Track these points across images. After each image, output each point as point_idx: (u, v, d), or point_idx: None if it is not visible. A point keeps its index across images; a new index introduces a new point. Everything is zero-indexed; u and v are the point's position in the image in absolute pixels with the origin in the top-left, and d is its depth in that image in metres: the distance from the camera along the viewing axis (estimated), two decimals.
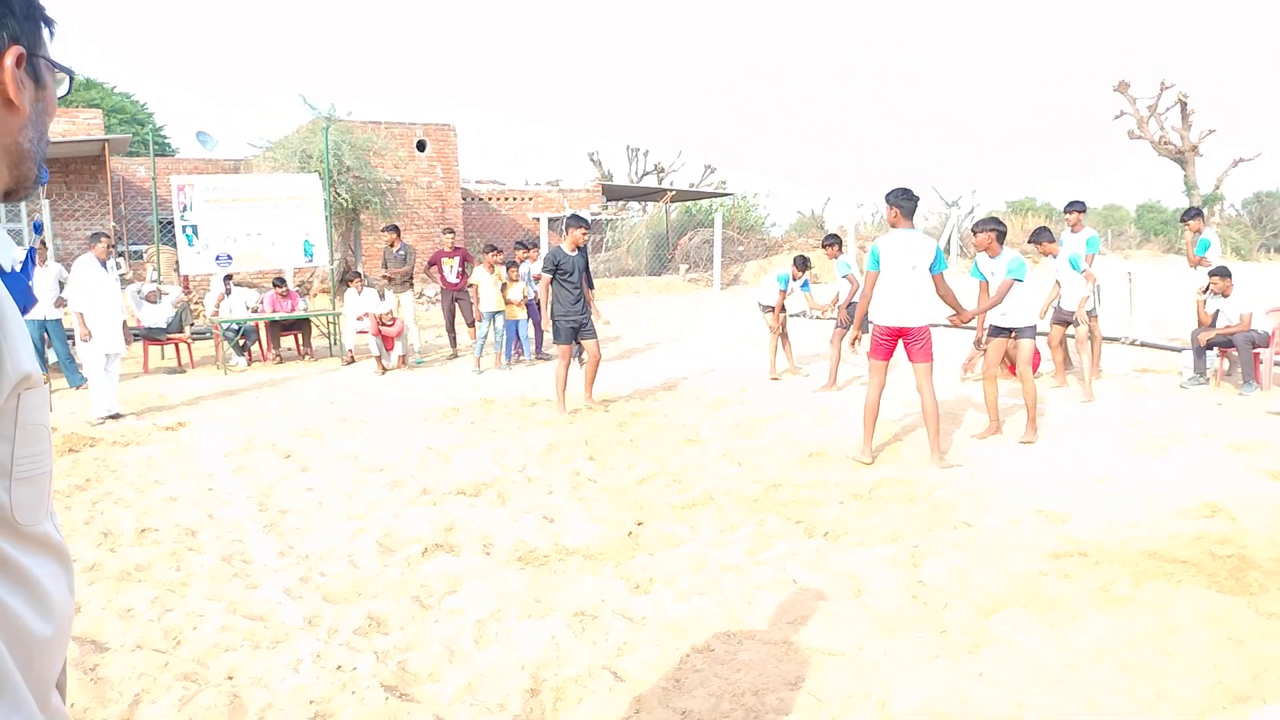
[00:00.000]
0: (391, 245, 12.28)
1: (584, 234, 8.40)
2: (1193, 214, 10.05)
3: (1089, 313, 9.37)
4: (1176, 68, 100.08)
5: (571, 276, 8.32)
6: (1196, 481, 5.65)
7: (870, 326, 6.48)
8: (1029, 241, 9.08)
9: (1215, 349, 8.99)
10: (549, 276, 8.27)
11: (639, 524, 5.18)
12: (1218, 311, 8.91)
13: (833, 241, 9.81)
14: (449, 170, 22.98)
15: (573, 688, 3.31)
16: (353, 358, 12.33)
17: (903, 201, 6.28)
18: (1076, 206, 9.90)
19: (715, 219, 24.45)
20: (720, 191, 31.53)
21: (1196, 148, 34.83)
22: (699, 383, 9.90)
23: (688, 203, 30.73)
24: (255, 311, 12.67)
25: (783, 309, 10.15)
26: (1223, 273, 8.88)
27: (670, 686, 3.30)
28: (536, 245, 12.92)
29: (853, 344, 6.87)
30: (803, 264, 10.13)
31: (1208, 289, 9.00)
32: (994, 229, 7.05)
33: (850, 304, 9.47)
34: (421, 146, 22.62)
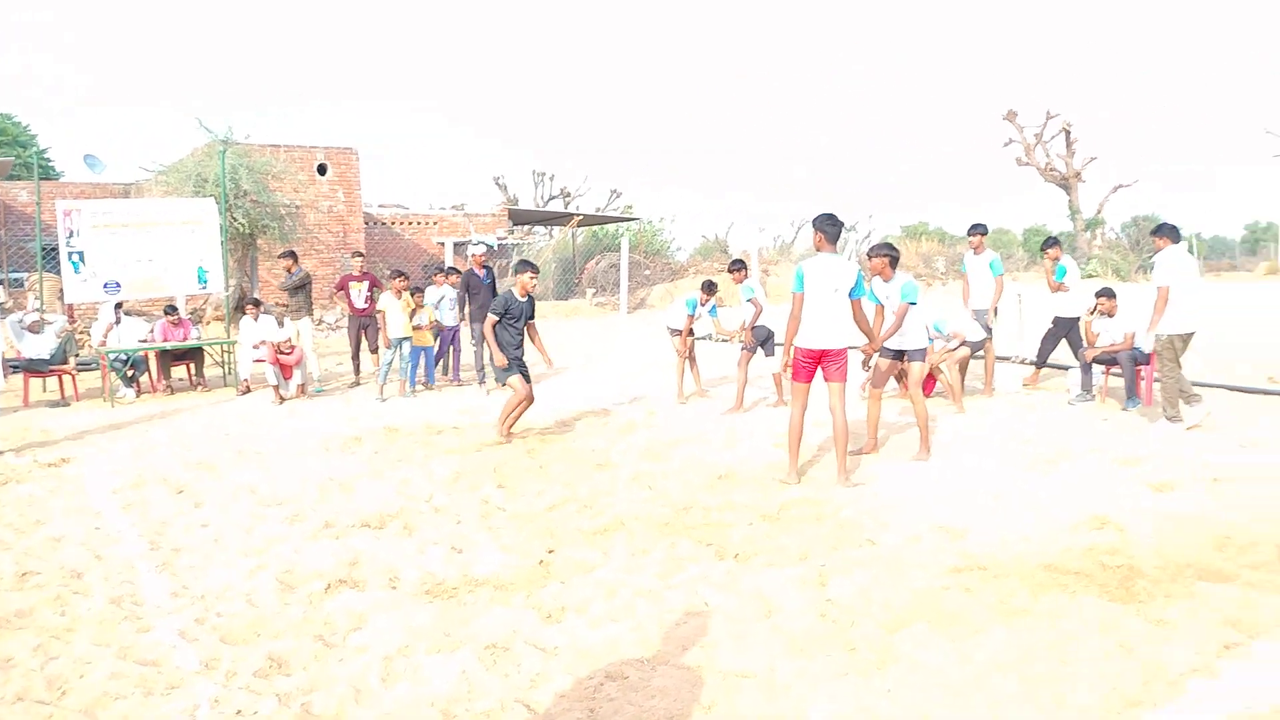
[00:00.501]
0: (289, 271, 12.00)
1: (533, 279, 8.38)
2: (1051, 243, 10.55)
3: (987, 331, 9.77)
4: (1061, 97, 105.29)
5: (517, 322, 8.33)
6: (1086, 495, 5.89)
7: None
8: None
9: (1101, 366, 9.43)
10: (495, 319, 8.20)
11: (550, 551, 5.13)
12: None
13: (738, 267, 9.96)
14: (351, 194, 22.60)
15: None
16: (248, 387, 11.95)
17: (827, 227, 6.37)
18: (979, 229, 10.27)
19: (622, 243, 24.63)
20: (627, 216, 31.78)
21: (1080, 174, 36.65)
22: (608, 407, 9.90)
23: (594, 227, 30.86)
24: (146, 342, 12.18)
25: (690, 332, 10.26)
26: (1108, 293, 9.32)
27: (585, 716, 3.27)
28: (443, 270, 12.77)
29: (785, 368, 6.80)
30: (710, 288, 10.26)
31: (1095, 309, 9.44)
32: (887, 254, 7.29)
33: (755, 327, 9.63)
34: (323, 170, 22.20)
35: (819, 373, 6.46)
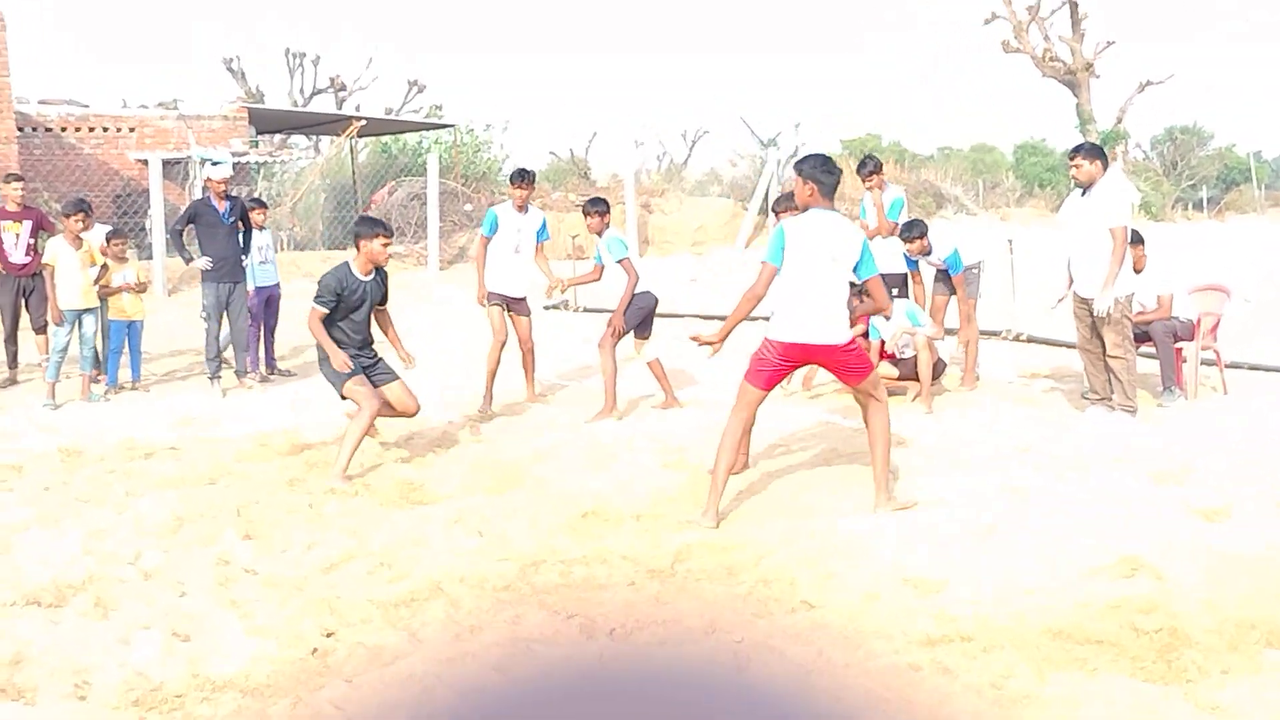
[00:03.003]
0: None
1: (386, 245, 8.09)
2: (876, 166, 10.83)
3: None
4: None
5: (357, 312, 8.00)
6: (1110, 526, 6.14)
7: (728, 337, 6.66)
8: None
9: None
10: (324, 310, 7.79)
11: (328, 635, 5.07)
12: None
13: (600, 209, 9.57)
14: None
15: None
16: None
17: (821, 175, 6.48)
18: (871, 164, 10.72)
19: (429, 163, 24.25)
20: (434, 122, 31.37)
21: (1091, 66, 38.06)
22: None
23: (385, 137, 30.40)
24: None
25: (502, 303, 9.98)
26: (1134, 239, 9.72)
27: None
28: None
29: (714, 353, 6.90)
30: (522, 177, 10.20)
31: None
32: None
33: (634, 297, 9.32)
34: None
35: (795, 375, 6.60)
